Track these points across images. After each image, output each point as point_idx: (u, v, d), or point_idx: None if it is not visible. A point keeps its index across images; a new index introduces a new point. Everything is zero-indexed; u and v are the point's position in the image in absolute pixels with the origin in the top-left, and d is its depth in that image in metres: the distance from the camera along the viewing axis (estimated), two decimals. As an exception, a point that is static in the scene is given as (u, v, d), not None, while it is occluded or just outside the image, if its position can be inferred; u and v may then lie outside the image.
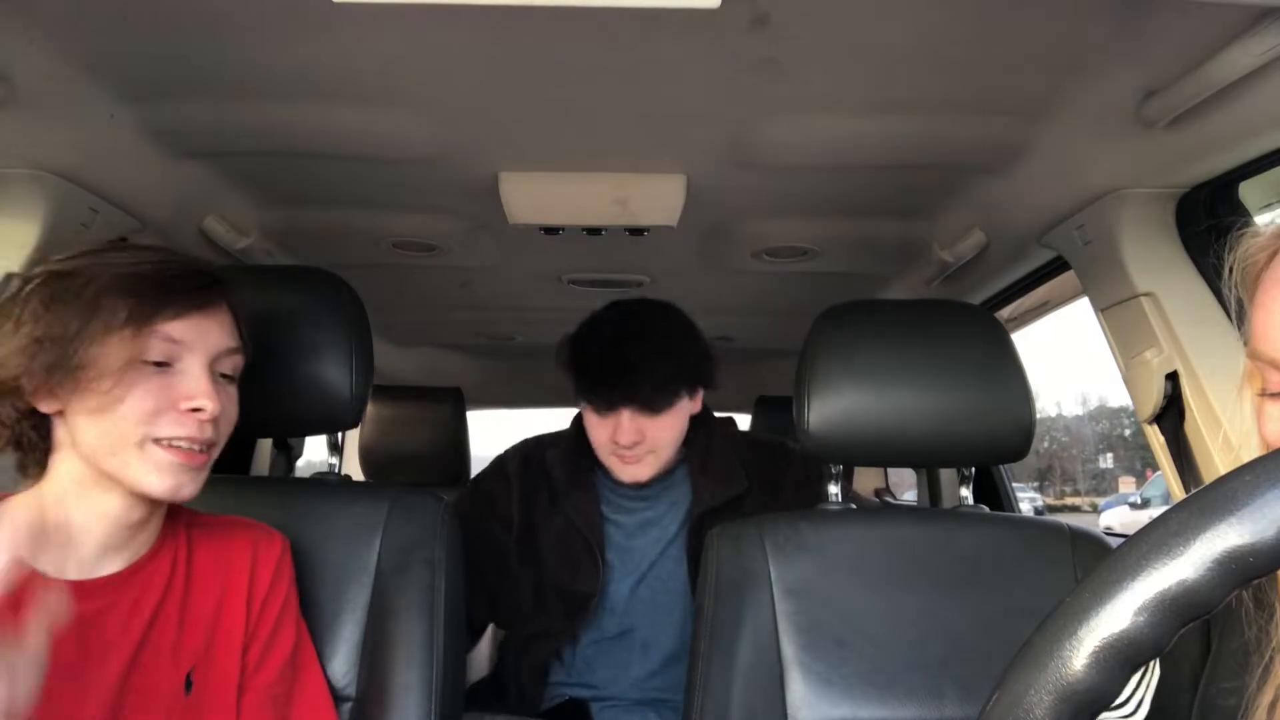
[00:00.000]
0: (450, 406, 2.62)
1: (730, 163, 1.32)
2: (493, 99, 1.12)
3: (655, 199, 1.41)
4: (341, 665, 1.06)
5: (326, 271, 1.21)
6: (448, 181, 1.40)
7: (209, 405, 0.84)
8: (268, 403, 1.12)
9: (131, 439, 0.82)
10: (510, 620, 1.58)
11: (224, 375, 0.90)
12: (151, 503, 0.88)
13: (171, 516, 0.95)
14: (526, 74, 1.04)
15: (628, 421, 1.40)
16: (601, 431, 1.44)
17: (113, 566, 0.88)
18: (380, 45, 0.98)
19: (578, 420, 1.55)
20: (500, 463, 1.62)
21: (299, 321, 1.14)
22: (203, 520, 0.99)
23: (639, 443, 1.42)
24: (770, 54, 0.98)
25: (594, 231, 1.52)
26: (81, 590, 0.84)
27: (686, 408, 1.45)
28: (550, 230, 1.52)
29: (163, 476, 0.83)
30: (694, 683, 1.10)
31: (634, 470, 1.45)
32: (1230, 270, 0.65)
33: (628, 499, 1.52)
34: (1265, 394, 0.63)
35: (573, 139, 1.26)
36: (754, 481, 1.51)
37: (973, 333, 1.19)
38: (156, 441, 0.83)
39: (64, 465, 0.85)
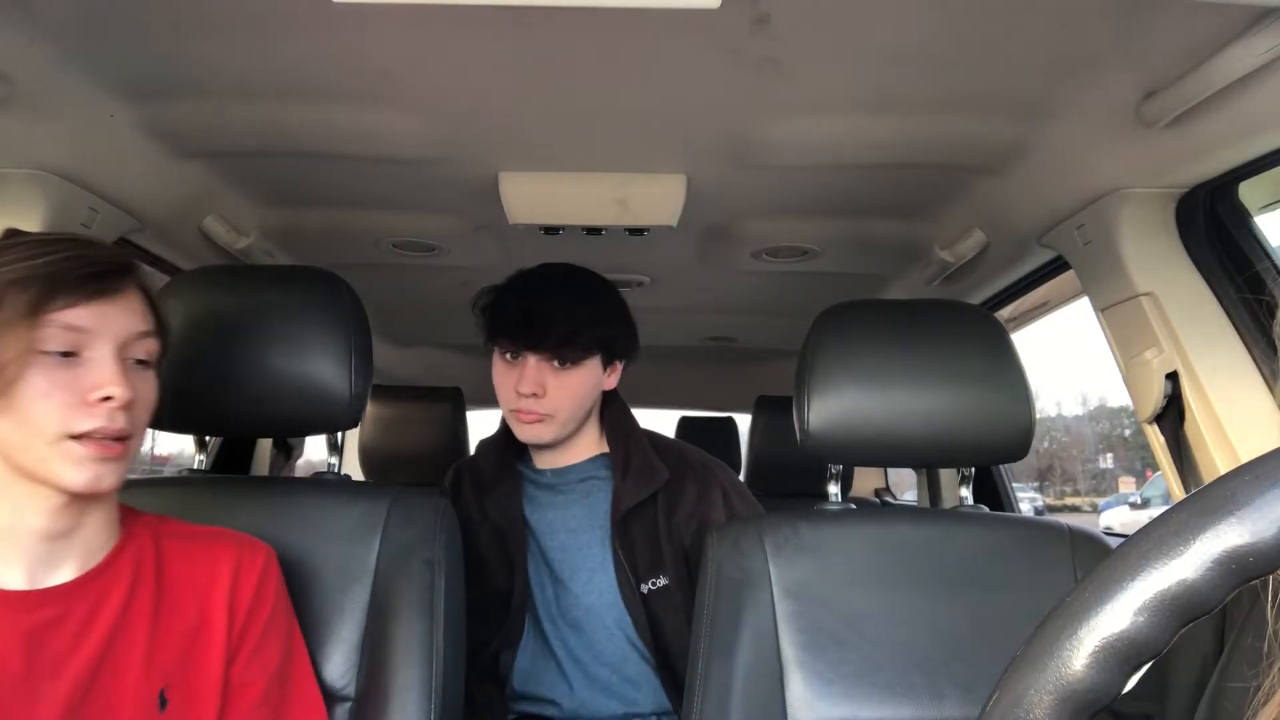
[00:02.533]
0: (450, 406, 2.61)
1: (730, 163, 1.32)
2: (493, 99, 1.12)
3: (655, 199, 1.41)
4: (340, 665, 1.06)
5: (326, 271, 1.20)
6: (448, 181, 1.41)
7: (118, 392, 0.80)
8: (267, 403, 1.13)
9: (43, 435, 0.79)
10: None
11: (138, 361, 0.86)
12: (83, 502, 0.84)
13: (136, 524, 0.92)
14: (527, 74, 1.05)
15: (532, 369, 1.37)
16: (506, 380, 1.41)
17: (62, 575, 0.84)
18: (380, 45, 0.98)
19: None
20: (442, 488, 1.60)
21: (299, 321, 1.14)
22: (177, 529, 0.95)
23: (538, 396, 1.38)
24: (770, 54, 0.98)
25: (594, 231, 1.52)
26: (25, 601, 0.81)
27: (596, 374, 1.41)
28: (550, 230, 1.52)
29: (80, 470, 0.80)
30: (694, 683, 1.10)
31: (533, 430, 1.41)
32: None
33: (546, 491, 1.48)
34: None
35: (573, 139, 1.26)
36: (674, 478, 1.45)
37: (973, 333, 1.19)
38: (71, 436, 0.80)
39: None
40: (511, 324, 1.38)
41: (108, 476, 0.82)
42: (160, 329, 0.89)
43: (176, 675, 0.88)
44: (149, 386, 0.87)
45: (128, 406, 0.82)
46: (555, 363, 1.37)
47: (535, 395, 1.38)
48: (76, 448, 0.80)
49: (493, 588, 1.47)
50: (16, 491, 0.82)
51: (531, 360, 1.37)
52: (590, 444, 1.49)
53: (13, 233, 0.86)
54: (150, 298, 0.89)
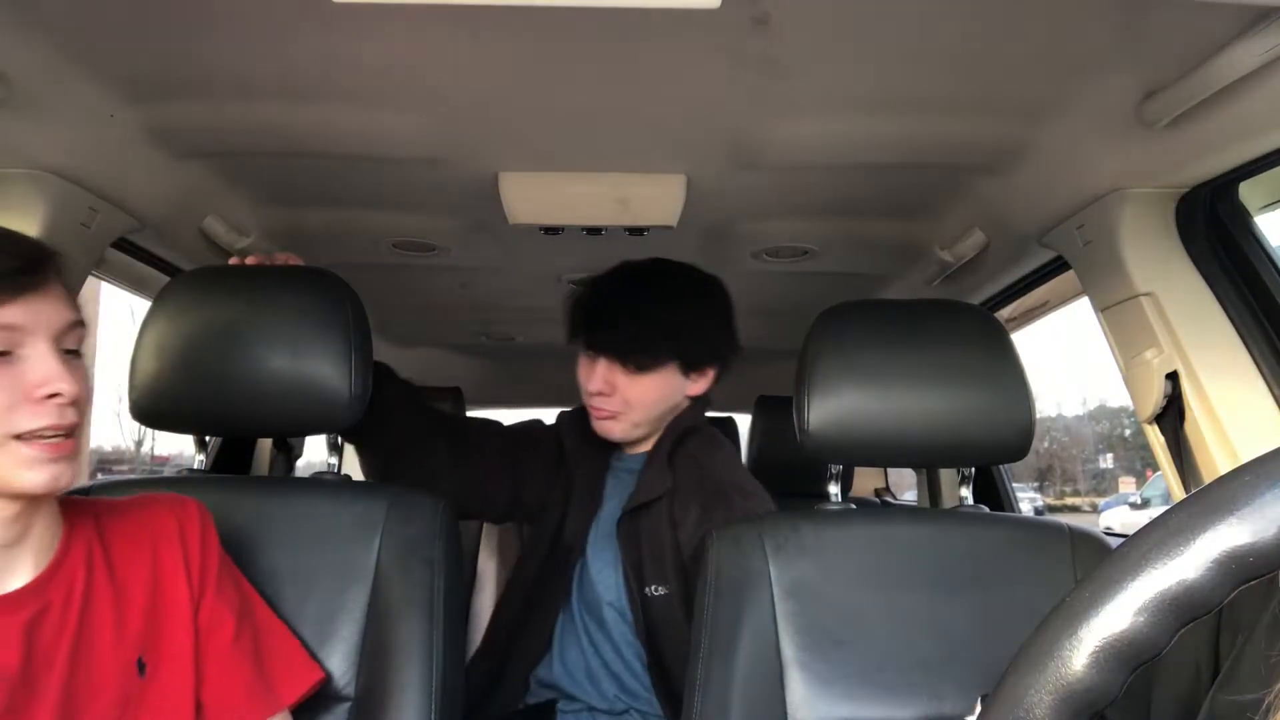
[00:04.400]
0: (450, 406, 2.61)
1: (730, 163, 1.32)
2: (493, 99, 1.12)
3: (655, 199, 1.41)
4: (340, 665, 1.06)
5: (326, 271, 1.21)
6: (448, 181, 1.40)
7: (65, 387, 0.78)
8: (268, 403, 1.13)
9: None
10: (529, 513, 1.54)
11: (69, 351, 0.83)
12: (32, 507, 0.83)
13: (74, 512, 0.91)
14: (527, 74, 1.04)
15: (602, 369, 1.38)
16: (582, 374, 1.42)
17: (19, 580, 0.83)
18: (380, 45, 0.98)
19: None
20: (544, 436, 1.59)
21: (299, 321, 1.14)
22: (111, 506, 0.95)
23: (605, 395, 1.38)
24: (770, 54, 0.98)
25: (594, 231, 1.52)
26: (8, 602, 0.82)
27: (672, 380, 1.40)
28: (550, 230, 1.52)
29: (35, 472, 0.78)
30: (694, 683, 1.10)
31: (603, 425, 1.42)
32: None
33: (613, 475, 1.49)
34: None
35: (573, 139, 1.26)
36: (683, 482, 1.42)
37: (973, 333, 1.19)
38: (19, 438, 0.77)
39: None
40: (584, 322, 1.39)
41: (64, 474, 0.80)
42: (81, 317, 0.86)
43: (148, 641, 0.89)
44: (85, 376, 0.84)
45: (74, 400, 0.80)
46: (626, 366, 1.37)
47: (603, 394, 1.38)
48: (25, 449, 0.78)
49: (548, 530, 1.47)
50: None
51: (602, 361, 1.38)
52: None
53: None
54: (67, 286, 0.86)
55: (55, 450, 0.79)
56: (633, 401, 1.39)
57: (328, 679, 1.04)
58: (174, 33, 0.97)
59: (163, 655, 0.90)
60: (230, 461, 2.10)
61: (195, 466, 1.30)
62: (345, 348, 1.13)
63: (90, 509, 0.93)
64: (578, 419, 1.53)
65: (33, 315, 0.79)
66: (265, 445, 2.22)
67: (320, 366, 1.12)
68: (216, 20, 0.94)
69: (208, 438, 1.31)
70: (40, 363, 0.78)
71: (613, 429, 1.42)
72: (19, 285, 0.78)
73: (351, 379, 1.13)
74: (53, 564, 0.86)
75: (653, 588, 1.38)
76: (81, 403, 0.82)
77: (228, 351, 1.12)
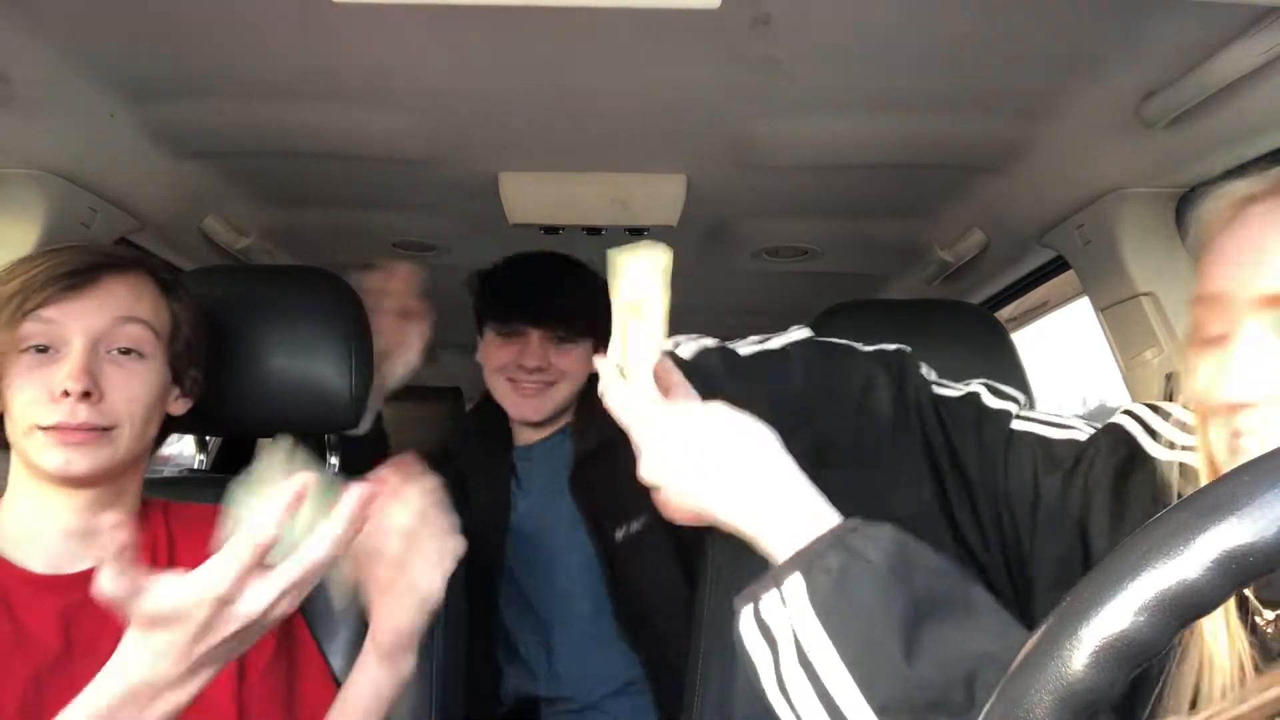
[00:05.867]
0: (450, 406, 2.61)
1: (730, 163, 1.32)
2: (493, 99, 1.12)
3: (655, 199, 1.41)
4: (341, 664, 1.06)
5: (326, 271, 1.20)
6: (448, 181, 1.40)
7: (73, 385, 0.83)
8: (268, 403, 1.12)
9: (19, 426, 0.85)
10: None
11: (122, 351, 0.88)
12: (100, 503, 0.89)
13: (150, 510, 0.97)
14: (527, 74, 1.04)
15: (536, 343, 1.38)
16: (504, 354, 1.41)
17: (87, 561, 0.89)
18: (380, 45, 0.98)
19: (481, 399, 1.54)
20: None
21: (299, 321, 1.14)
22: (182, 510, 1.00)
23: (542, 369, 1.38)
24: (771, 54, 0.98)
25: (594, 231, 1.52)
26: (58, 584, 0.87)
27: (588, 358, 1.41)
28: (550, 230, 1.52)
29: (48, 456, 0.84)
30: (693, 683, 1.10)
31: (530, 404, 1.41)
32: (1189, 226, 0.65)
33: (523, 464, 1.48)
34: (1201, 341, 0.62)
35: (573, 139, 1.26)
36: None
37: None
38: (39, 428, 0.85)
39: (15, 461, 0.90)
40: (513, 299, 1.40)
41: (78, 461, 0.85)
42: (156, 315, 0.92)
43: None
44: (134, 377, 0.89)
45: (93, 399, 0.85)
46: (556, 337, 1.38)
47: (540, 368, 1.38)
48: (42, 436, 0.85)
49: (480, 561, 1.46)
50: (31, 482, 0.88)
51: (535, 335, 1.39)
52: (562, 420, 1.50)
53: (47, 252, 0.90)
54: (155, 285, 0.92)
55: (64, 438, 0.84)
56: (566, 372, 1.41)
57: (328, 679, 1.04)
58: (174, 33, 0.97)
59: None
60: (230, 461, 2.10)
61: (195, 466, 1.30)
62: (345, 348, 1.13)
63: (162, 512, 0.98)
64: (470, 431, 1.55)
65: (71, 314, 0.85)
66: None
67: (320, 366, 1.12)
68: (216, 20, 0.94)
69: (208, 438, 1.31)
70: (66, 362, 0.84)
71: (542, 406, 1.42)
72: (62, 287, 0.85)
73: (351, 379, 1.13)
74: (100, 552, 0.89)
75: (622, 529, 1.38)
76: (109, 401, 0.87)
77: (228, 351, 1.11)
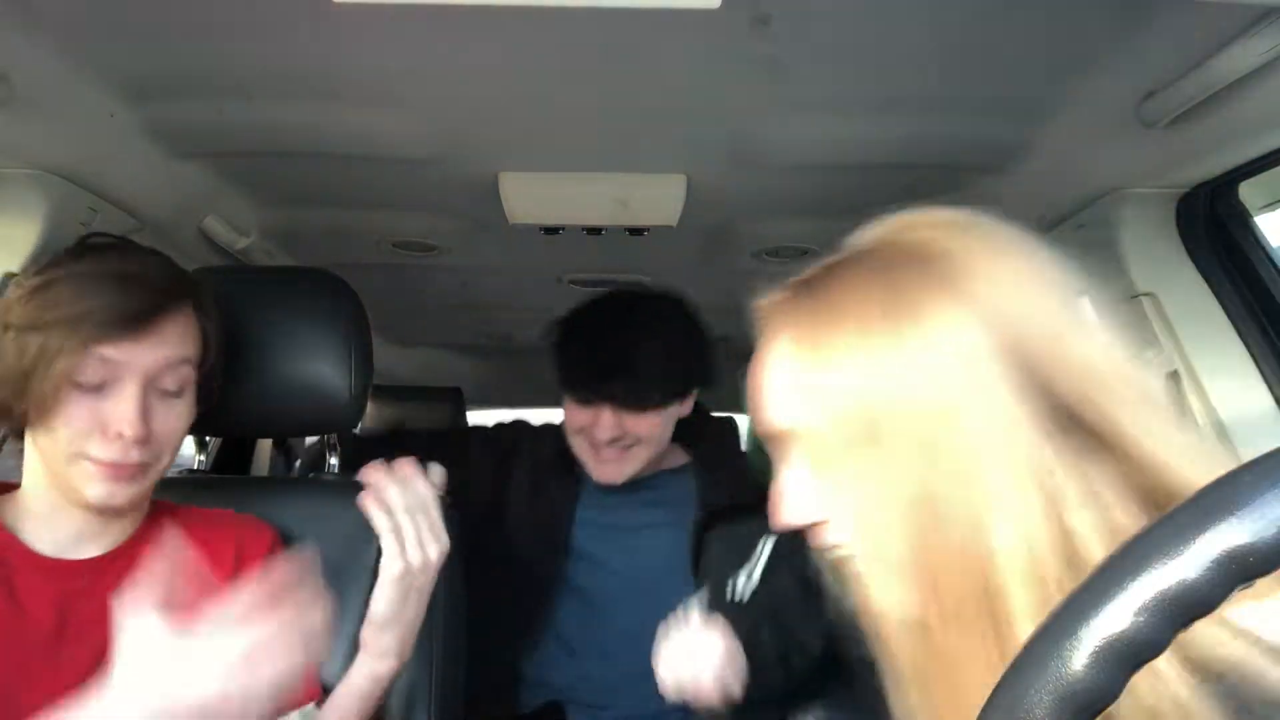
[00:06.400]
0: (450, 406, 2.61)
1: (730, 163, 1.32)
2: (493, 99, 1.12)
3: (655, 199, 1.41)
4: (339, 665, 1.06)
5: (326, 271, 1.20)
6: (448, 181, 1.40)
7: (130, 431, 0.86)
8: (267, 403, 1.12)
9: (64, 454, 0.86)
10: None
11: (169, 391, 0.91)
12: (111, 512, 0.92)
13: (159, 509, 0.99)
14: (527, 74, 1.04)
15: (608, 417, 1.34)
16: (578, 419, 1.37)
17: (91, 551, 0.92)
18: (380, 45, 0.98)
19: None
20: (492, 436, 1.57)
21: (299, 321, 1.14)
22: (187, 513, 1.01)
23: (618, 439, 1.34)
24: (771, 54, 0.98)
25: (594, 231, 1.52)
26: (60, 569, 0.89)
27: (675, 410, 1.39)
28: (550, 230, 1.52)
29: (92, 488, 0.86)
30: None
31: (610, 470, 1.37)
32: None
33: (612, 495, 1.44)
34: None
35: (573, 139, 1.26)
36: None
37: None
38: (86, 457, 0.86)
39: (36, 457, 0.91)
40: (580, 374, 1.34)
41: (120, 493, 0.88)
42: (204, 352, 0.95)
43: None
44: (176, 416, 0.92)
45: (145, 440, 0.87)
46: (631, 413, 1.34)
47: (616, 439, 1.33)
48: (90, 466, 0.86)
49: (522, 566, 1.43)
50: (57, 489, 0.90)
51: (606, 410, 1.34)
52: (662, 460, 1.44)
53: (84, 246, 0.91)
54: (200, 319, 0.94)
55: (114, 472, 0.87)
56: (644, 437, 1.35)
57: (327, 679, 1.04)
58: (173, 33, 0.97)
59: None
60: (230, 461, 2.10)
61: (195, 466, 1.30)
62: (345, 348, 1.13)
63: (172, 513, 1.00)
64: (549, 444, 1.50)
65: (131, 355, 0.86)
66: (265, 445, 2.22)
67: (320, 366, 1.12)
68: (216, 20, 0.94)
69: (208, 438, 1.31)
70: (121, 403, 0.86)
71: (622, 469, 1.37)
72: (125, 328, 0.86)
73: (351, 379, 1.13)
74: (116, 551, 0.93)
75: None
76: (155, 441, 0.89)
77: (228, 352, 1.11)
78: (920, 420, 0.52)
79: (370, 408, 2.40)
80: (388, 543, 0.90)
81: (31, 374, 0.83)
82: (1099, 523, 0.49)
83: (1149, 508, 0.50)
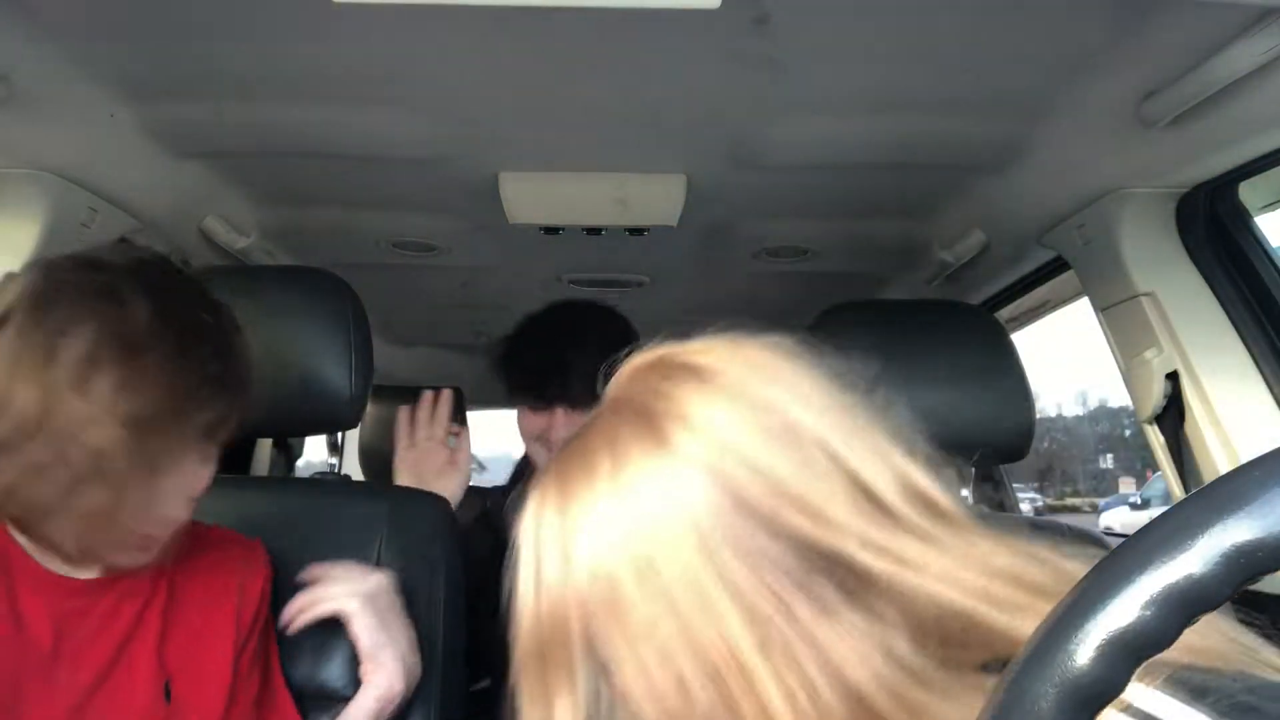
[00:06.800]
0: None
1: (730, 163, 1.32)
2: (493, 99, 1.12)
3: (655, 199, 1.41)
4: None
5: (326, 271, 1.20)
6: (448, 181, 1.40)
7: (160, 534, 0.87)
8: (268, 403, 1.12)
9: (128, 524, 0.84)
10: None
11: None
12: None
13: None
14: (526, 74, 1.04)
15: (562, 417, 1.37)
16: (534, 425, 1.40)
17: (91, 571, 0.89)
18: (380, 45, 0.98)
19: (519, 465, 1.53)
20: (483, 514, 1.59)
21: (299, 322, 1.14)
22: (190, 530, 0.98)
23: None
24: (771, 54, 0.98)
25: (594, 231, 1.52)
26: (61, 586, 0.87)
27: None
28: (550, 230, 1.52)
29: (121, 556, 0.86)
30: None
31: None
32: None
33: None
34: None
35: (573, 139, 1.26)
36: None
37: (973, 333, 1.19)
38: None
39: None
40: (532, 381, 1.38)
41: (139, 559, 0.88)
42: None
43: (182, 669, 0.91)
44: (191, 510, 0.93)
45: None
46: (583, 408, 1.36)
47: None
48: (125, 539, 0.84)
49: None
50: None
51: (560, 411, 1.37)
52: None
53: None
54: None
55: (145, 541, 0.86)
56: None
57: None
58: (174, 33, 0.97)
59: (192, 689, 0.91)
60: (230, 461, 2.10)
61: (195, 467, 1.29)
62: (345, 348, 1.13)
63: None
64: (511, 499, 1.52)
65: (195, 480, 0.89)
66: (265, 445, 2.22)
67: (320, 366, 1.12)
68: (216, 20, 0.94)
69: (207, 438, 1.30)
70: (168, 509, 0.86)
71: None
72: (197, 445, 0.88)
73: (351, 379, 1.13)
74: (115, 573, 0.90)
75: None
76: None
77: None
78: (648, 577, 0.48)
79: (370, 408, 2.40)
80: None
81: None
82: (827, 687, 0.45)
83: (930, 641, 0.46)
